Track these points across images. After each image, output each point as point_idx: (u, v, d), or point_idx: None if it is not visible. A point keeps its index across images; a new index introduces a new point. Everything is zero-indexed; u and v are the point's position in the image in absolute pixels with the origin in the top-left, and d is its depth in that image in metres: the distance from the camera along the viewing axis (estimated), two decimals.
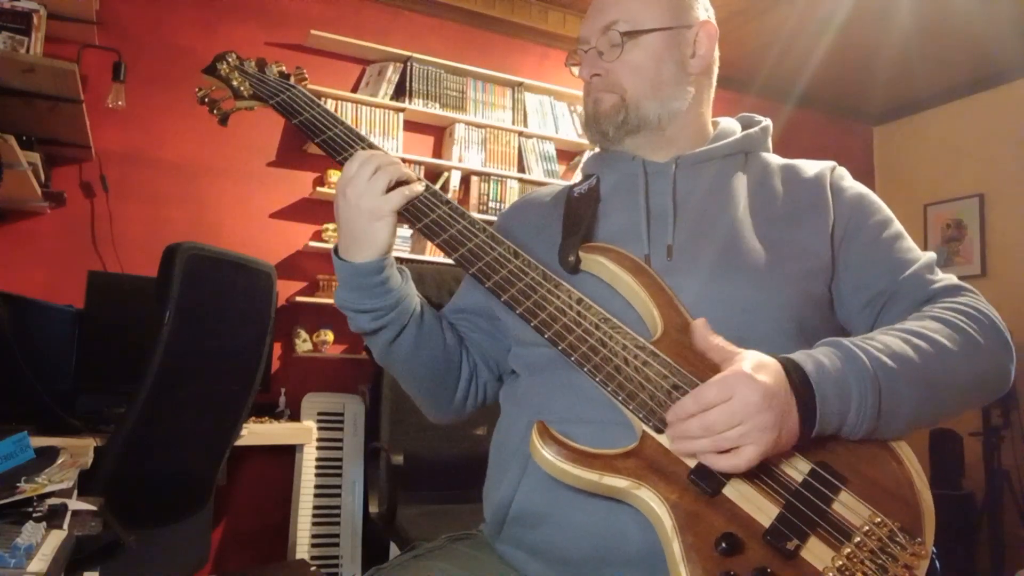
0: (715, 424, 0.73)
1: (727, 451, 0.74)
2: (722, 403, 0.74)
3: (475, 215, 1.13)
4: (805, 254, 0.93)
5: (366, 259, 0.92)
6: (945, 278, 0.93)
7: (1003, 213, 4.14)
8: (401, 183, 0.93)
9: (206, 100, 1.12)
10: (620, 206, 1.00)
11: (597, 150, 1.11)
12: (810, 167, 1.02)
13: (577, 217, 0.99)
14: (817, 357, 0.79)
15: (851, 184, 1.00)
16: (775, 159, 1.05)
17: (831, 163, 1.03)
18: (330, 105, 3.16)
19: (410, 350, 0.99)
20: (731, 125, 1.08)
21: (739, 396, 0.73)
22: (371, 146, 0.99)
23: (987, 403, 0.90)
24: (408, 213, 0.93)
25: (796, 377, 0.77)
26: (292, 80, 1.11)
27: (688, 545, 0.72)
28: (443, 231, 0.93)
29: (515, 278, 0.89)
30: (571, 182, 1.11)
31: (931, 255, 0.95)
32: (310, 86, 1.16)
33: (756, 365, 0.76)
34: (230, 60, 1.12)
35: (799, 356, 0.79)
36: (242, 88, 1.10)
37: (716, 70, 1.07)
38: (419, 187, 0.94)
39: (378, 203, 0.90)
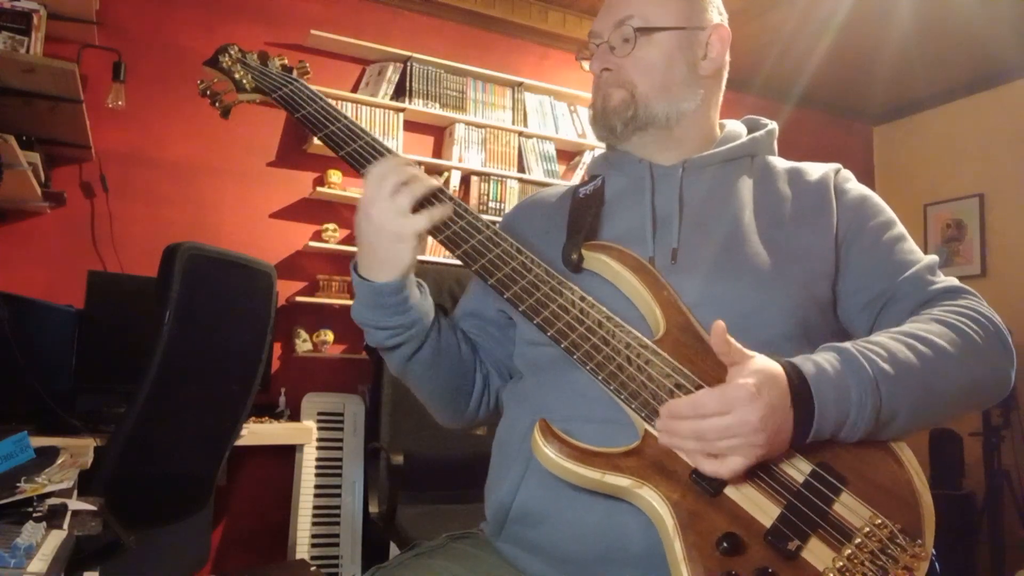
0: (706, 433, 0.73)
1: (712, 456, 0.74)
2: (718, 416, 0.73)
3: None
4: (808, 256, 0.93)
5: (387, 279, 0.89)
6: (945, 280, 0.93)
7: (1003, 213, 4.14)
8: (424, 198, 0.89)
9: (208, 92, 1.12)
10: (626, 209, 1.00)
11: (604, 150, 1.10)
12: (814, 170, 1.02)
13: (581, 217, 0.99)
14: (819, 363, 0.79)
15: (854, 186, 1.00)
16: (780, 162, 1.05)
17: (835, 165, 1.03)
18: None
19: (427, 365, 0.99)
20: (737, 128, 1.08)
21: (737, 414, 0.72)
22: (374, 140, 0.97)
23: (987, 407, 0.90)
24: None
25: (798, 385, 0.76)
26: (295, 74, 1.10)
27: (689, 544, 0.72)
28: (446, 227, 0.92)
29: (517, 275, 0.89)
30: (576, 182, 1.10)
31: (933, 257, 0.95)
32: (310, 86, 1.16)
33: (761, 381, 0.74)
34: (232, 53, 1.11)
35: (800, 361, 0.79)
36: (244, 81, 1.09)
37: (726, 74, 1.06)
38: (448, 209, 0.90)
39: (403, 226, 0.86)
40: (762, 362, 0.77)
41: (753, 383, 0.74)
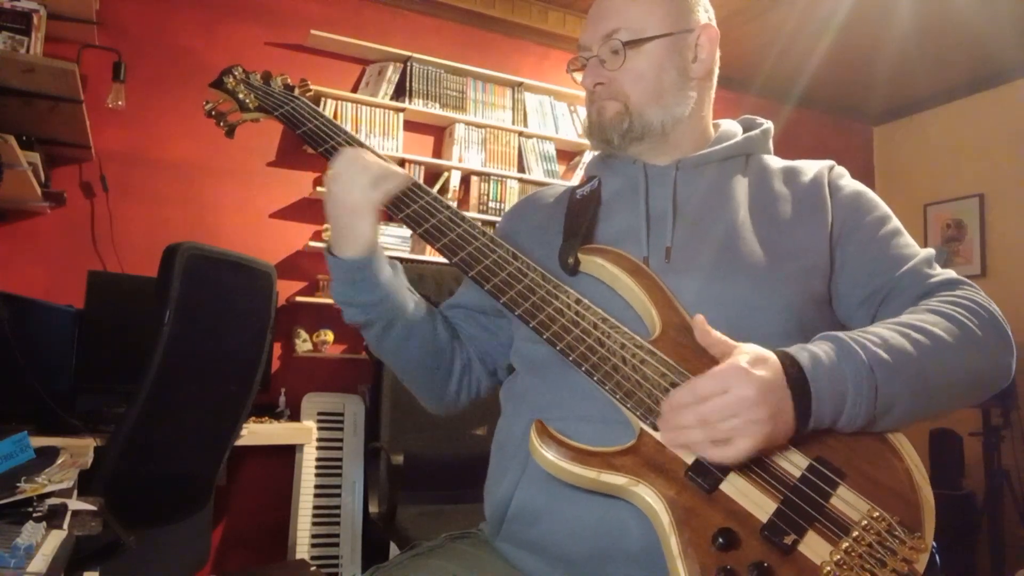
0: (710, 415, 0.74)
1: (719, 442, 0.74)
2: (717, 396, 0.74)
3: (474, 215, 1.14)
4: (804, 253, 0.93)
5: (352, 255, 0.94)
6: (943, 272, 0.93)
7: (1003, 213, 4.14)
8: (385, 180, 0.95)
9: (213, 113, 1.15)
10: (621, 209, 1.01)
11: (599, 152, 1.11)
12: (809, 168, 1.02)
13: (577, 219, 1.00)
14: (813, 351, 0.79)
15: (848, 182, 1.01)
16: (776, 161, 1.05)
17: (829, 162, 1.03)
18: (330, 105, 3.16)
19: (400, 343, 1.01)
20: (732, 127, 1.08)
21: (735, 390, 0.74)
22: (372, 152, 1.01)
23: (987, 397, 0.90)
24: (408, 220, 0.95)
25: (793, 371, 0.77)
26: (296, 91, 1.14)
27: (686, 541, 0.73)
28: (442, 235, 0.94)
29: (514, 280, 0.90)
30: (573, 183, 1.11)
31: (929, 251, 0.95)
32: (311, 87, 1.18)
33: (753, 359, 0.76)
34: (236, 74, 1.15)
35: (794, 350, 0.80)
36: (248, 101, 1.12)
37: (717, 72, 1.07)
38: (403, 183, 0.96)
39: (360, 199, 0.92)
40: (750, 347, 0.79)
41: (744, 360, 0.76)
